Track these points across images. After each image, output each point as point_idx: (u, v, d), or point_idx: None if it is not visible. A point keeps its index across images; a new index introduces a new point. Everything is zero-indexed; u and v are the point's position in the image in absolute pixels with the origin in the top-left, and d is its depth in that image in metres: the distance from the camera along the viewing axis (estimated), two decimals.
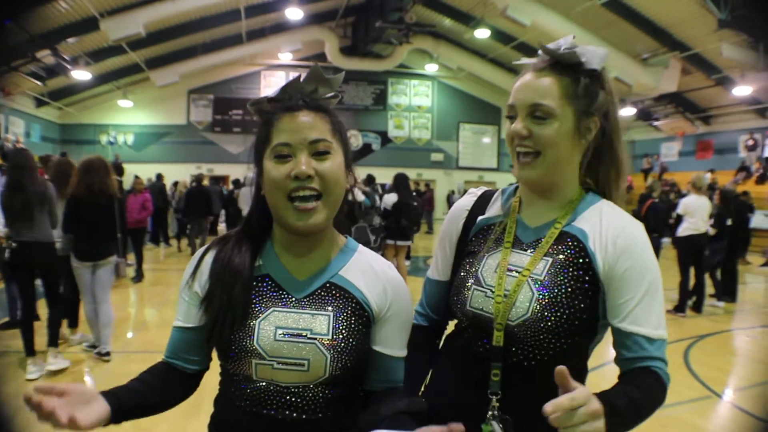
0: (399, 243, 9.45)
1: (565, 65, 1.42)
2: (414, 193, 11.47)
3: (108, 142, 25.17)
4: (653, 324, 1.33)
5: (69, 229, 5.62)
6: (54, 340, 5.54)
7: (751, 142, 21.43)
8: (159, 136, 25.90)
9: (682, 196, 11.06)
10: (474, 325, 1.46)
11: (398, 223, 9.30)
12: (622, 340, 1.35)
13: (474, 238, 1.58)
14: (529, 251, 1.44)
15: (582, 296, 1.35)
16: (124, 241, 6.76)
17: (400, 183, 9.63)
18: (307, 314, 1.34)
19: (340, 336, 1.32)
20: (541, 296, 1.36)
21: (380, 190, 13.32)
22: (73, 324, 6.46)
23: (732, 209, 9.32)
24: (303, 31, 23.51)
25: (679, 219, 8.78)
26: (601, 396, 1.17)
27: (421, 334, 1.64)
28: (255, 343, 1.30)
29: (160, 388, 1.41)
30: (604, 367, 5.86)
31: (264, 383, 1.31)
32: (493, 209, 1.60)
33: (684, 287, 8.36)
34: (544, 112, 1.38)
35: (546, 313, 1.34)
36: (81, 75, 19.11)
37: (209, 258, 1.42)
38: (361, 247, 1.49)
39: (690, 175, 9.23)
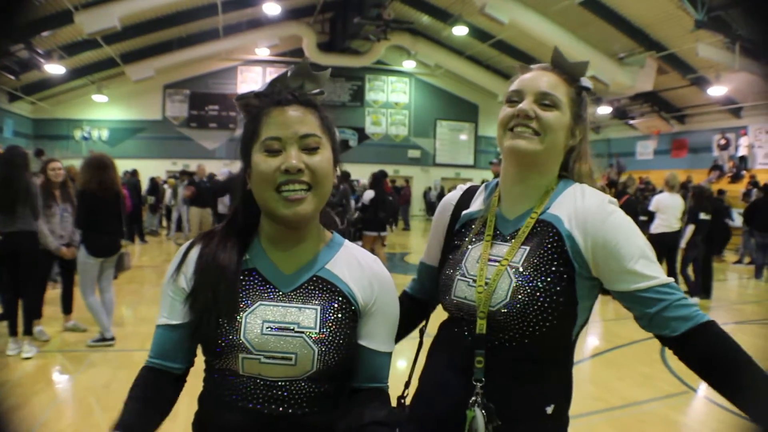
0: (375, 233, 10.52)
1: (570, 76, 1.55)
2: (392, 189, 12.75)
3: (82, 138, 24.89)
4: (659, 273, 1.36)
5: (82, 225, 5.85)
6: (29, 329, 5.71)
7: (723, 142, 21.71)
8: (134, 132, 25.69)
9: (655, 193, 11.18)
10: (460, 314, 1.51)
11: (376, 215, 10.23)
12: (639, 300, 1.36)
13: (458, 232, 1.65)
14: (508, 242, 1.50)
15: (557, 281, 1.39)
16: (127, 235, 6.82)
17: (378, 180, 10.56)
18: (294, 308, 1.33)
19: (328, 330, 1.32)
20: (517, 283, 1.41)
21: (356, 186, 13.58)
22: (67, 310, 6.53)
23: (707, 204, 9.41)
24: (280, 26, 23.45)
25: (652, 216, 8.87)
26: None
27: (406, 298, 1.77)
28: (242, 337, 1.29)
29: (160, 403, 1.38)
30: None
31: (251, 378, 1.30)
32: (476, 204, 1.66)
33: None
34: (551, 101, 1.48)
35: (522, 298, 1.39)
36: (55, 69, 18.89)
37: (194, 253, 1.40)
38: (347, 241, 1.49)
39: (664, 173, 9.34)
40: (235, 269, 1.35)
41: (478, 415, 1.39)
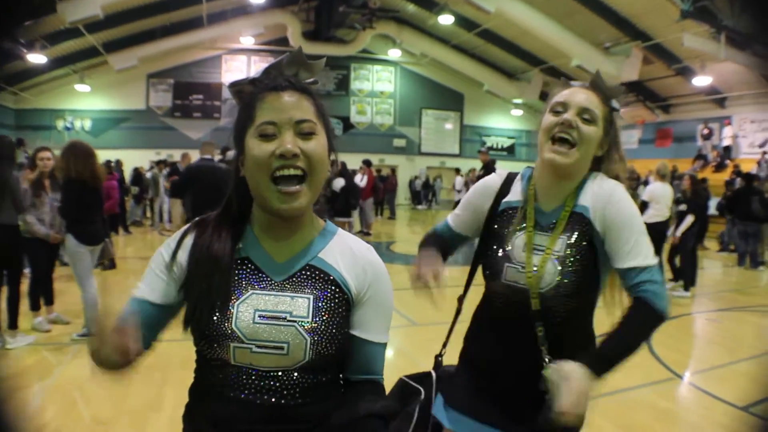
0: (346, 219, 11.76)
1: (605, 97, 1.86)
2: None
3: (64, 128, 24.63)
4: (644, 257, 1.70)
5: (71, 214, 5.78)
6: (14, 322, 5.70)
7: (706, 132, 21.87)
8: (117, 122, 25.47)
9: (641, 183, 11.19)
10: (508, 294, 1.84)
11: (347, 202, 11.28)
12: (623, 276, 1.73)
13: (499, 218, 1.94)
14: (548, 233, 1.83)
15: (589, 262, 1.77)
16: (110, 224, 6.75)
17: (345, 169, 12.15)
18: (286, 297, 1.32)
19: (321, 319, 1.32)
20: (562, 269, 1.76)
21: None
22: (49, 302, 6.45)
23: (702, 194, 9.48)
24: (265, 14, 23.31)
25: (645, 206, 8.91)
26: (593, 353, 1.62)
27: (436, 235, 2.13)
28: (233, 325, 1.28)
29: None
30: None
31: (242, 367, 1.29)
32: (514, 193, 1.95)
33: None
34: (591, 116, 1.80)
35: (566, 280, 1.76)
36: (37, 59, 18.68)
37: (189, 241, 1.39)
38: (340, 230, 1.48)
39: (649, 162, 9.39)
40: (229, 260, 1.34)
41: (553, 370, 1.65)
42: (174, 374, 4.61)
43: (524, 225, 1.86)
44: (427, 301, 1.86)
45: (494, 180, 2.01)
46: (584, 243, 1.77)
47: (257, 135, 1.29)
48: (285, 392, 1.29)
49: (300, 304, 1.32)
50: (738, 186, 14.07)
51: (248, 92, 1.38)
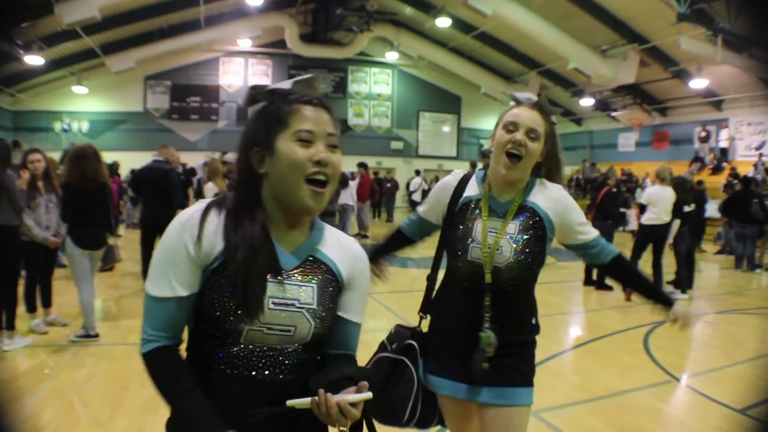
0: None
1: (546, 112, 2.32)
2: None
3: (62, 130, 24.57)
4: (592, 232, 2.36)
5: (68, 218, 5.79)
6: (11, 323, 5.68)
7: (703, 134, 21.88)
8: (115, 124, 25.39)
9: (638, 185, 11.20)
10: (470, 270, 2.24)
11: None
12: (582, 248, 2.36)
13: (460, 210, 2.35)
14: (501, 218, 2.27)
15: (538, 241, 2.23)
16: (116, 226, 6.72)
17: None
18: (294, 285, 1.48)
19: (322, 304, 1.50)
20: (516, 246, 2.21)
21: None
22: (47, 304, 6.44)
23: (689, 196, 9.47)
24: (263, 17, 23.29)
25: (643, 208, 8.92)
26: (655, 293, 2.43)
27: (400, 234, 2.71)
28: None
29: (193, 382, 1.43)
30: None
31: (249, 346, 1.43)
32: (471, 190, 2.39)
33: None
34: (536, 135, 2.25)
35: (520, 256, 2.20)
36: (34, 60, 18.64)
37: (212, 225, 1.47)
38: (325, 225, 1.65)
39: (646, 165, 9.42)
40: (269, 239, 1.48)
41: (490, 334, 2.17)
42: None
43: (481, 213, 2.30)
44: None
45: (452, 178, 2.47)
46: (536, 227, 2.24)
47: (295, 139, 1.45)
48: (282, 367, 1.45)
49: (306, 292, 1.49)
50: (737, 188, 14.07)
51: (276, 99, 1.52)
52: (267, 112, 1.51)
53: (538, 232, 2.24)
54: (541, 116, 2.28)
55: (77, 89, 23.98)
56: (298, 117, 1.47)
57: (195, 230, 1.45)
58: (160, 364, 1.43)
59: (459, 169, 2.59)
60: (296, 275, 1.50)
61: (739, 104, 20.86)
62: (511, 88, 26.68)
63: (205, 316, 1.42)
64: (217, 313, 1.40)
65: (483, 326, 2.19)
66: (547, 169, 2.38)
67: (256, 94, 1.55)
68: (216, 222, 1.47)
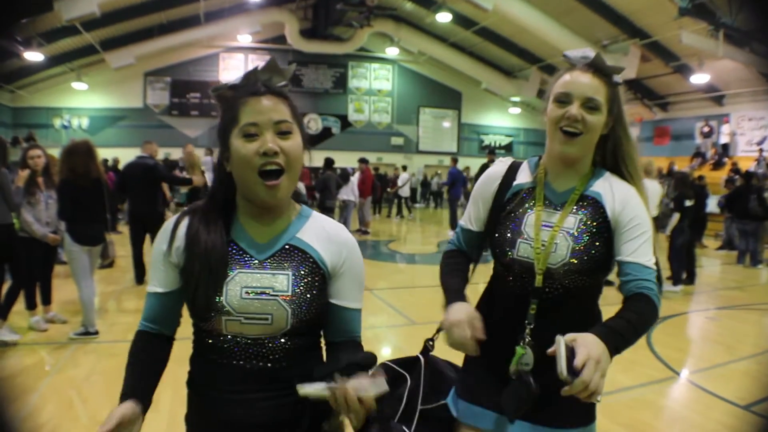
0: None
1: (605, 73, 1.85)
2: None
3: (62, 126, 24.55)
4: (647, 258, 1.73)
5: (63, 214, 5.80)
6: (3, 313, 5.71)
7: (706, 129, 21.86)
8: (114, 120, 25.35)
9: None
10: (518, 270, 1.84)
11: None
12: (626, 269, 1.72)
13: (510, 200, 1.94)
14: (558, 210, 1.86)
15: (601, 242, 1.79)
16: (113, 222, 6.69)
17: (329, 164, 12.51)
18: (268, 274, 1.51)
19: (298, 291, 1.50)
20: (575, 244, 1.78)
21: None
22: (46, 301, 6.41)
23: (690, 191, 9.46)
24: (262, 12, 23.27)
25: None
26: (605, 325, 1.58)
27: (456, 251, 2.09)
28: (224, 301, 1.46)
29: (158, 365, 1.60)
30: None
31: (233, 337, 1.48)
32: (523, 176, 1.97)
33: None
34: (595, 104, 1.81)
35: (580, 257, 1.77)
36: (33, 56, 18.57)
37: (182, 230, 1.56)
38: (314, 212, 1.67)
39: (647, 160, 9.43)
40: (222, 243, 1.52)
41: (528, 351, 1.74)
42: (171, 374, 4.58)
43: (534, 203, 1.89)
44: (472, 351, 1.75)
45: (498, 167, 2.04)
46: (598, 224, 1.80)
47: (242, 135, 1.48)
48: (271, 356, 1.49)
49: (280, 280, 1.50)
50: (738, 183, 14.06)
51: (230, 96, 1.55)
52: (223, 111, 1.55)
53: (603, 229, 1.80)
54: (600, 80, 1.84)
55: (77, 85, 23.95)
56: (244, 111, 1.48)
57: (168, 234, 1.57)
58: (133, 343, 1.60)
59: (508, 157, 2.15)
60: (270, 264, 1.52)
61: (741, 99, 20.83)
62: (512, 83, 26.69)
63: (189, 310, 1.53)
64: (195, 310, 1.51)
65: (521, 339, 1.78)
66: (614, 145, 1.93)
67: (218, 95, 1.58)
68: (186, 226, 1.56)
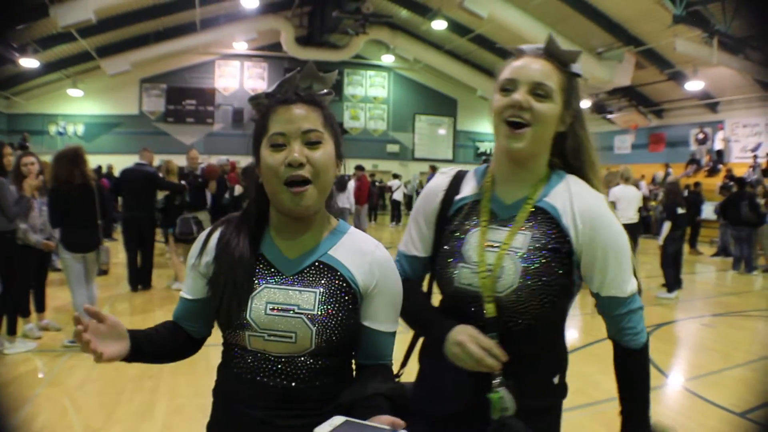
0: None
1: (560, 61, 1.60)
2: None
3: (57, 133, 24.47)
4: (623, 287, 1.54)
5: (53, 222, 5.78)
6: (12, 328, 5.70)
7: (701, 136, 21.91)
8: (110, 127, 25.30)
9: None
10: (463, 301, 1.59)
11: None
12: (603, 303, 1.57)
13: (453, 217, 1.69)
14: (506, 227, 1.58)
15: (558, 264, 1.52)
16: (107, 227, 6.62)
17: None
18: (295, 291, 1.46)
19: (325, 310, 1.44)
20: (524, 267, 1.51)
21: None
22: (40, 309, 6.40)
23: (681, 199, 9.52)
24: (258, 20, 23.25)
25: (613, 206, 9.03)
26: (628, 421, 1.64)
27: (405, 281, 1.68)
28: (248, 316, 1.43)
29: (170, 342, 1.58)
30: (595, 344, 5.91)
31: (257, 353, 1.45)
32: (468, 188, 1.71)
33: None
34: (545, 91, 1.54)
35: (530, 282, 1.50)
36: (29, 63, 18.52)
37: (213, 242, 1.56)
38: (351, 229, 1.60)
39: (642, 167, 9.59)
40: (250, 257, 1.50)
41: (505, 394, 1.49)
42: (166, 382, 4.57)
43: (478, 220, 1.62)
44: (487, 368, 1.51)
45: (440, 180, 1.77)
46: (554, 244, 1.53)
47: (269, 145, 1.44)
48: (295, 376, 1.44)
49: (307, 298, 1.45)
50: (732, 190, 14.12)
51: (264, 104, 1.52)
52: (256, 120, 1.53)
53: (561, 250, 1.53)
54: (553, 65, 1.57)
55: (72, 92, 23.90)
56: (273, 120, 1.46)
57: (200, 245, 1.58)
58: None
59: (450, 167, 1.83)
60: (298, 281, 1.48)
61: (735, 106, 20.90)
62: None
63: (216, 320, 1.53)
64: (221, 321, 1.50)
65: (492, 383, 1.50)
66: (576, 146, 1.64)
67: (255, 104, 1.55)
68: (217, 238, 1.56)
